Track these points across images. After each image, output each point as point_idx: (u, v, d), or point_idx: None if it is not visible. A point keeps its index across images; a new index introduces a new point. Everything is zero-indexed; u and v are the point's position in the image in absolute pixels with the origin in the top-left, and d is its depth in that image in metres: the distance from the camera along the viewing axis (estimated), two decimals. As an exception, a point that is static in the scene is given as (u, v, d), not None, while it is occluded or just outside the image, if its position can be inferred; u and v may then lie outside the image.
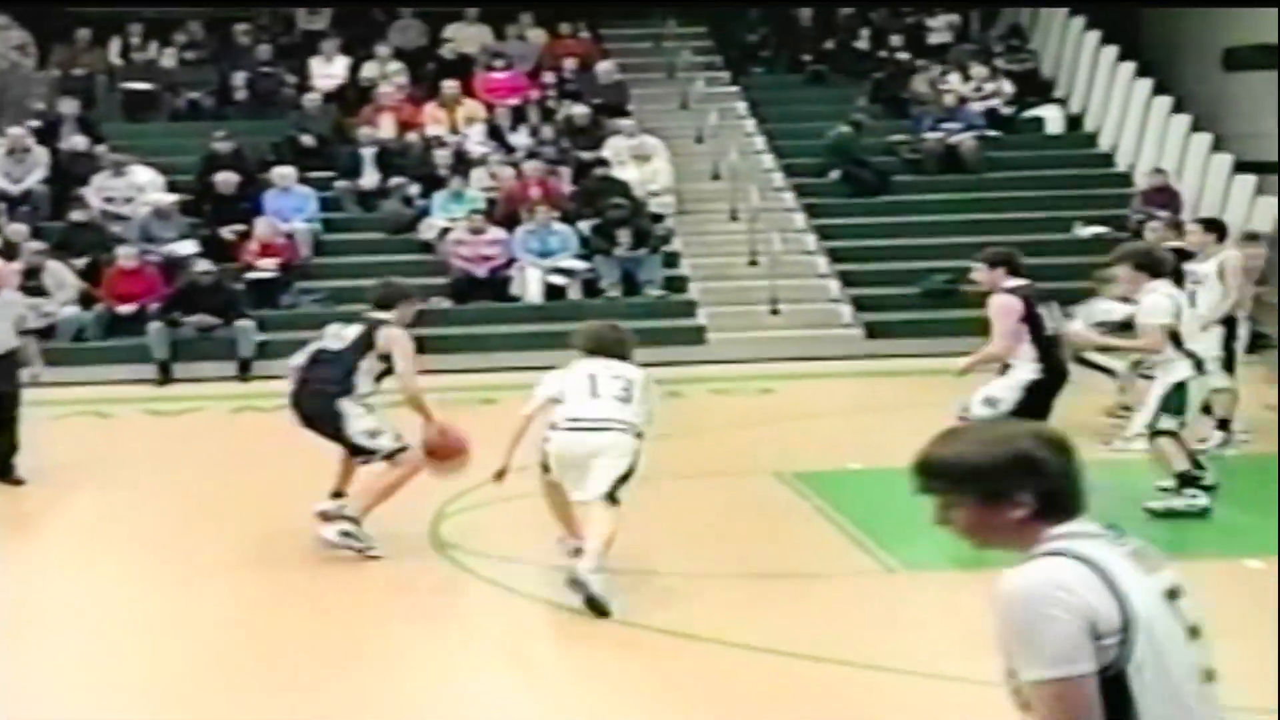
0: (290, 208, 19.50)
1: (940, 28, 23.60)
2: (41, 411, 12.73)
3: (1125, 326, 10.93)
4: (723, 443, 13.35)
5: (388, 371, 9.64)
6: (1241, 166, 19.70)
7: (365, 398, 9.61)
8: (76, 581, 9.38)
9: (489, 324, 18.23)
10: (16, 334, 12.24)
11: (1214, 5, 20.65)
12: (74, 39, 22.29)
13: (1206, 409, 11.58)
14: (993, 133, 21.60)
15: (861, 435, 13.07)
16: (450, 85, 21.38)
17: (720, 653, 7.78)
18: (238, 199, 19.41)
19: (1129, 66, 21.93)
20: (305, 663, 7.81)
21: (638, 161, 20.34)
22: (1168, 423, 10.11)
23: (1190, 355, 10.18)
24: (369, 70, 22.18)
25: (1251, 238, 14.81)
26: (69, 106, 20.81)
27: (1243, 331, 12.68)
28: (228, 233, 19.05)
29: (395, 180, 20.13)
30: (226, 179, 19.46)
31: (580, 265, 18.79)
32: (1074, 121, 22.49)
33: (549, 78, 22.32)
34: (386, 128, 20.90)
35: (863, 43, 23.47)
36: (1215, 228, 13.17)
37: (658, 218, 19.79)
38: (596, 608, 8.17)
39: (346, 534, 9.51)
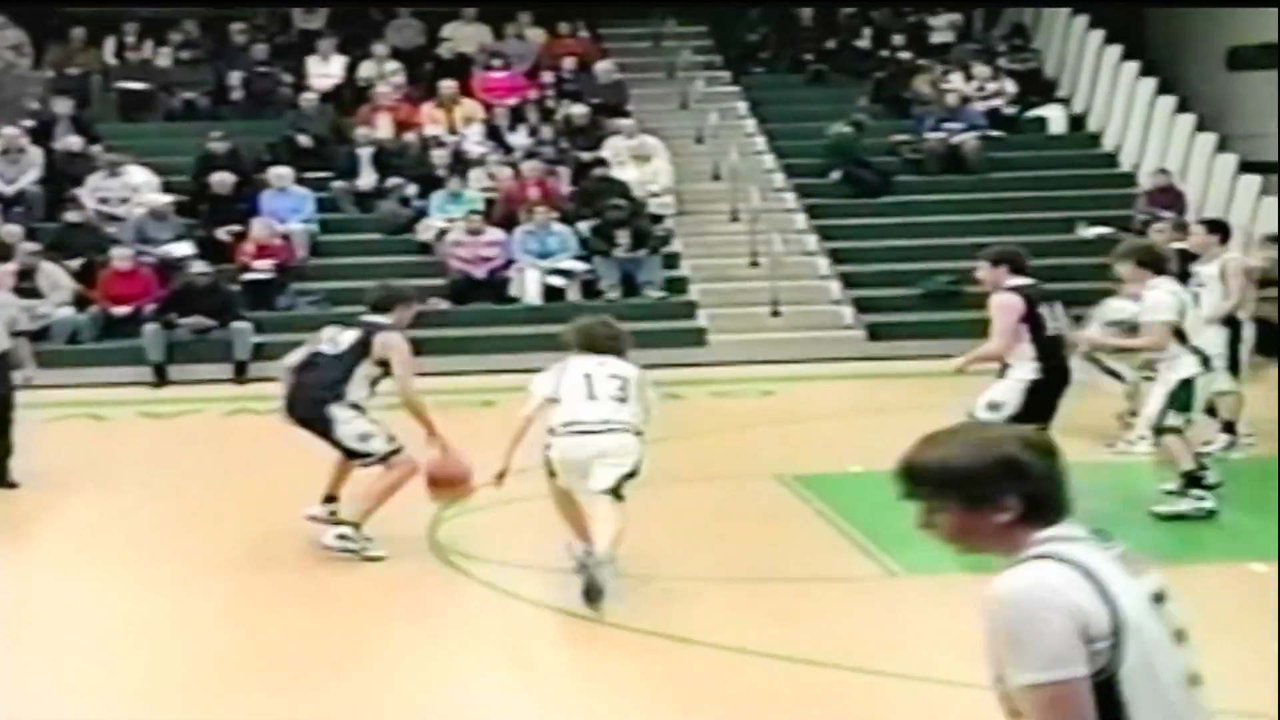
0: (287, 208, 19.43)
1: (942, 27, 23.53)
2: (36, 414, 12.72)
3: (1138, 326, 10.84)
4: (723, 445, 13.33)
5: (386, 374, 9.58)
6: (1246, 167, 19.64)
7: (357, 403, 9.54)
8: (73, 583, 9.35)
9: (487, 325, 18.18)
10: (9, 336, 12.19)
11: (1218, 5, 20.57)
12: (69, 38, 22.21)
13: (1211, 411, 11.50)
14: (995, 133, 21.53)
15: (863, 438, 12.94)
16: (448, 85, 21.31)
17: (720, 657, 7.75)
18: (234, 200, 19.35)
19: (1133, 66, 21.87)
20: (303, 664, 7.82)
21: (637, 162, 20.28)
22: (1174, 420, 10.05)
23: (1196, 351, 10.13)
24: (366, 70, 22.12)
25: (1273, 240, 14.80)
26: (63, 106, 20.74)
27: (1247, 334, 12.61)
28: (224, 234, 18.98)
29: (393, 181, 20.06)
30: (222, 179, 19.40)
31: (579, 266, 18.73)
32: (1077, 121, 22.43)
33: (548, 77, 22.27)
34: (384, 128, 20.84)
35: (864, 42, 23.42)
36: (1218, 229, 13.11)
37: (657, 218, 19.73)
38: (593, 593, 8.15)
39: (344, 538, 9.49)
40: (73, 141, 20.12)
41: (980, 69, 22.22)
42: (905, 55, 22.85)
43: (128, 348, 17.49)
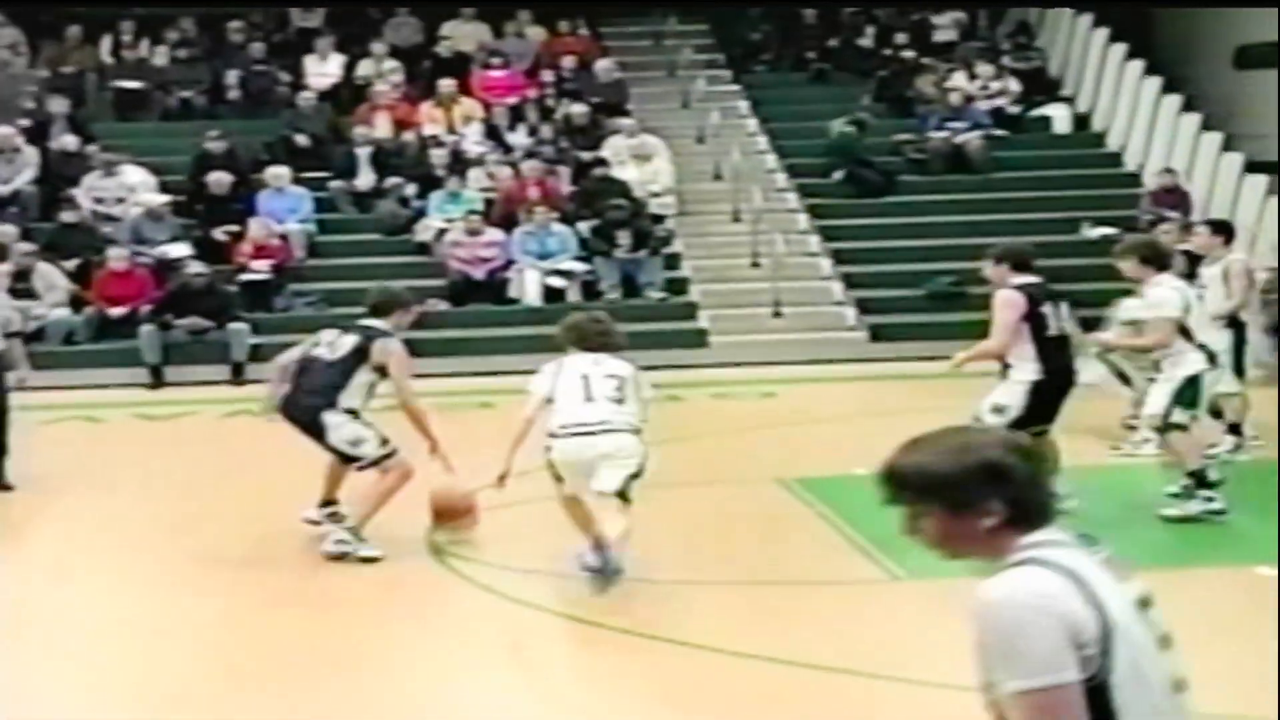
0: (284, 208, 19.36)
1: (946, 25, 23.45)
2: (31, 416, 12.72)
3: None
4: (724, 448, 13.27)
5: (383, 378, 9.56)
6: (1253, 166, 19.54)
7: (351, 408, 9.50)
8: (70, 585, 9.33)
9: (486, 327, 18.11)
10: (3, 337, 12.17)
11: (1224, 5, 20.45)
12: (64, 36, 22.13)
13: (1216, 413, 11.39)
14: (999, 132, 21.44)
15: (866, 440, 12.71)
16: (447, 84, 21.22)
17: (721, 660, 7.72)
18: (231, 200, 19.28)
19: (1138, 64, 21.79)
20: (302, 664, 7.87)
21: (638, 161, 20.20)
22: (1180, 417, 9.96)
23: (1202, 348, 10.06)
24: (364, 69, 22.04)
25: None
26: (59, 105, 20.67)
27: (1252, 335, 12.52)
28: (220, 234, 18.91)
29: (391, 180, 19.98)
30: (219, 179, 19.33)
31: (579, 267, 18.66)
32: (1082, 120, 22.34)
33: (547, 76, 22.21)
34: (382, 127, 20.76)
35: (867, 41, 23.34)
36: (1223, 230, 13.04)
37: (658, 219, 19.66)
38: (601, 578, 8.33)
39: (342, 541, 9.48)
40: (68, 141, 20.04)
41: (984, 68, 22.14)
42: (909, 54, 22.76)
43: (124, 349, 17.42)
